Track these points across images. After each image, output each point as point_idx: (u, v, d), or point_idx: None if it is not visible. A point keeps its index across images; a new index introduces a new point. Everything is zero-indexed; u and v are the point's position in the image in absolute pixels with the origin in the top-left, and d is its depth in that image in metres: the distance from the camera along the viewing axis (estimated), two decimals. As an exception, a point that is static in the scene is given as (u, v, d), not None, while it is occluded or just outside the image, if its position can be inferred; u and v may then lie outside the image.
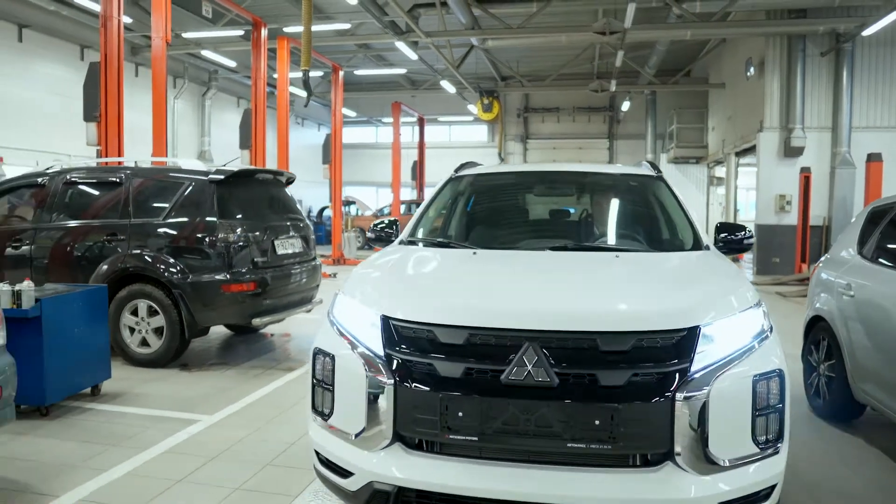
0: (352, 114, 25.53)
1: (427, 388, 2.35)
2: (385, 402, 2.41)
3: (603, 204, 4.17)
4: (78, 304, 4.72)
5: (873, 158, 11.61)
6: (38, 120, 14.11)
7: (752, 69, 14.97)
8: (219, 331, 7.44)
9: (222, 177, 5.86)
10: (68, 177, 6.20)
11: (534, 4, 13.51)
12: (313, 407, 2.71)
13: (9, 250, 6.07)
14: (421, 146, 22.03)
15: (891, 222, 4.40)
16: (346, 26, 14.30)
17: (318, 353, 2.70)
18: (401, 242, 3.74)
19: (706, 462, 2.25)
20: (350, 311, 2.75)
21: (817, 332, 4.77)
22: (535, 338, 2.33)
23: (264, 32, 12.12)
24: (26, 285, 4.28)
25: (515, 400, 2.28)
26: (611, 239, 3.80)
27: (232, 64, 16.68)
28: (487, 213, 4.21)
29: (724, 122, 18.38)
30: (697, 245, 3.46)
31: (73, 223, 6.03)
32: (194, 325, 5.71)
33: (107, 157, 8.41)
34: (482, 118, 22.81)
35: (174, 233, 5.74)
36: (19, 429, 4.14)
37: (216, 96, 19.87)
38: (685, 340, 2.35)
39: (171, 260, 5.67)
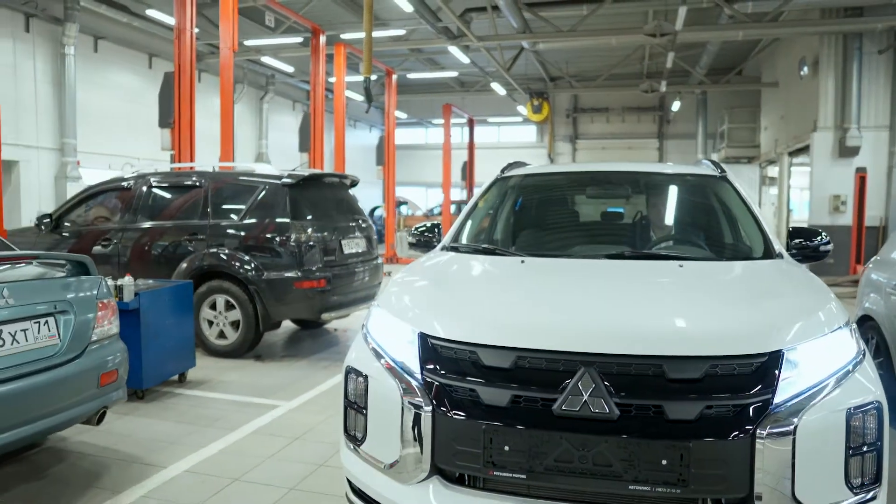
0: (402, 115, 26.03)
1: (469, 417, 2.12)
2: (422, 431, 2.18)
3: (660, 206, 3.86)
4: (169, 298, 5.18)
5: (933, 159, 11.43)
6: (110, 125, 14.93)
7: (805, 68, 14.81)
8: (286, 326, 7.89)
9: (294, 181, 6.28)
10: (152, 180, 6.73)
11: (584, 7, 13.67)
12: (345, 431, 2.48)
13: (97, 248, 6.62)
14: (471, 147, 22.34)
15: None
16: (401, 32, 14.73)
17: (350, 371, 2.48)
18: (443, 248, 3.49)
19: None
20: (385, 325, 2.53)
21: (866, 330, 4.91)
22: (591, 362, 2.08)
23: (323, 39, 12.61)
24: (127, 280, 4.75)
25: (569, 434, 2.04)
26: (671, 245, 3.51)
27: (290, 69, 17.33)
28: (536, 217, 3.91)
29: (776, 121, 18.15)
30: (769, 252, 3.13)
31: (156, 223, 6.54)
32: (268, 319, 6.15)
33: (180, 160, 8.97)
34: (532, 119, 23.00)
35: (250, 233, 6.19)
36: (122, 410, 4.60)
37: (273, 100, 20.59)
38: (766, 367, 2.08)
39: (247, 258, 6.12)
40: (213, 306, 6.24)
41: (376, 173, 16.70)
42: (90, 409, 3.48)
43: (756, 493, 1.96)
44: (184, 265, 6.28)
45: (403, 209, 24.02)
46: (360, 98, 10.94)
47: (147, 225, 6.57)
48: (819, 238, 3.23)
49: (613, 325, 2.22)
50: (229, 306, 6.21)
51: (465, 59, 15.68)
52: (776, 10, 12.43)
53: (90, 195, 7.00)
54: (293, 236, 6.07)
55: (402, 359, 2.34)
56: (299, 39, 14.06)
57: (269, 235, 6.13)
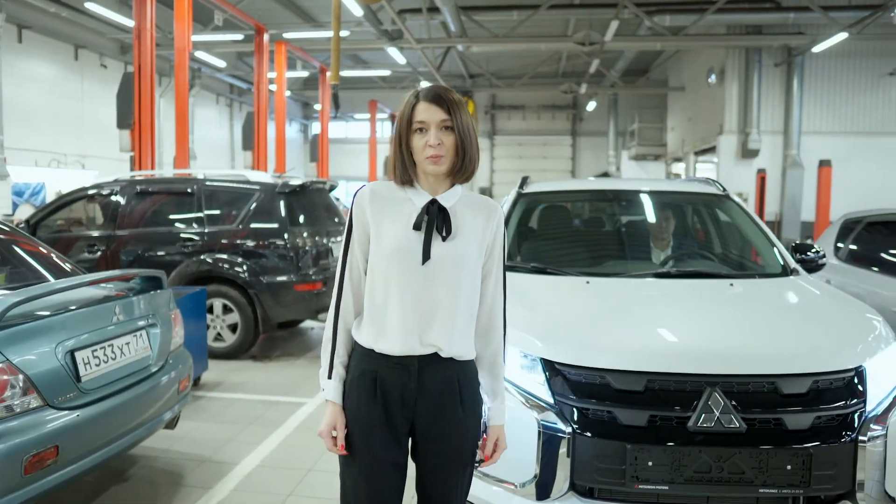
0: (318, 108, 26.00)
1: (610, 437, 2.34)
2: (561, 452, 2.39)
3: (681, 224, 4.14)
4: (186, 304, 5.39)
5: (824, 164, 13.06)
6: (36, 120, 14.24)
7: (713, 76, 16.27)
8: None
9: (290, 188, 6.57)
10: (146, 186, 6.78)
11: (514, 13, 14.39)
12: None
13: (85, 255, 6.63)
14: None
15: (861, 231, 5.51)
16: (346, 34, 14.91)
17: None
18: None
19: (887, 499, 2.37)
20: None
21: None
22: (715, 382, 2.37)
23: (266, 37, 12.67)
24: (158, 290, 4.94)
25: (707, 448, 2.31)
26: (702, 262, 3.82)
27: (222, 64, 17.06)
28: (571, 235, 4.22)
29: (683, 122, 19.71)
30: (787, 268, 3.54)
31: (148, 229, 6.63)
32: (268, 321, 6.43)
33: (140, 162, 8.93)
34: (456, 117, 23.55)
35: (248, 238, 6.43)
36: (159, 413, 4.82)
37: (199, 94, 20.12)
38: (856, 379, 2.45)
39: (247, 263, 6.37)
40: (211, 310, 6.44)
41: (307, 170, 16.83)
42: (173, 414, 3.76)
43: (856, 490, 2.34)
44: (180, 270, 6.43)
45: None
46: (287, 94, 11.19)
47: (139, 231, 6.64)
48: (815, 252, 3.71)
49: (731, 349, 2.53)
50: (226, 310, 6.43)
51: (402, 60, 16.07)
52: (693, 23, 13.64)
53: (70, 201, 6.95)
54: (291, 241, 6.37)
55: (525, 384, 2.52)
56: (240, 37, 13.97)
57: (267, 241, 6.40)
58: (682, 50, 18.86)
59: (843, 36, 12.55)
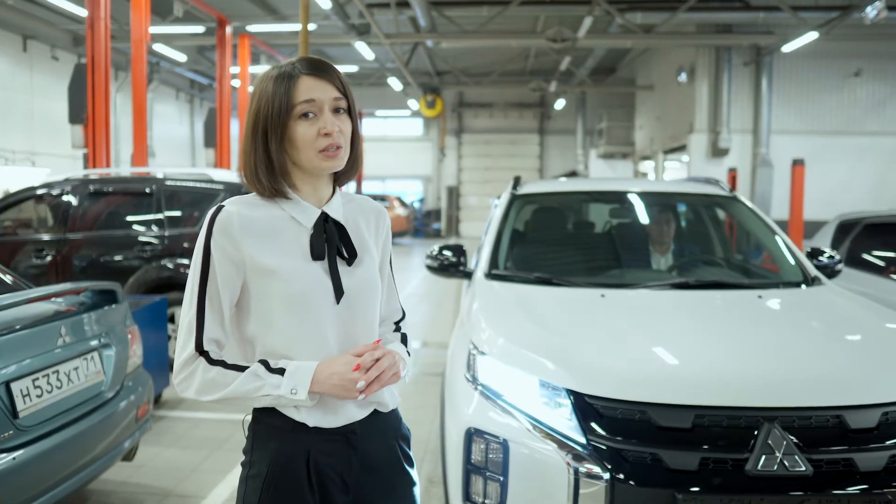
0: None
1: (655, 485, 2.00)
2: (595, 499, 2.04)
3: (690, 228, 3.91)
4: (145, 316, 4.93)
5: (797, 163, 13.05)
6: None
7: (683, 75, 16.22)
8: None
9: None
10: (100, 186, 6.27)
11: (484, 8, 14.09)
12: (467, 498, 2.29)
13: (35, 260, 6.10)
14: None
15: (860, 233, 5.33)
16: (313, 27, 14.40)
17: (476, 434, 2.25)
18: (488, 276, 3.29)
19: None
20: (508, 379, 2.33)
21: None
22: (772, 417, 2.05)
23: (229, 30, 12.11)
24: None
25: (770, 496, 1.98)
26: (723, 271, 3.55)
27: (182, 58, 16.38)
28: (573, 241, 3.93)
29: (652, 121, 19.67)
30: (806, 275, 3.25)
31: (103, 233, 6.12)
32: (234, 331, 5.98)
33: (94, 160, 8.37)
34: (426, 115, 23.25)
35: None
36: (115, 437, 4.36)
37: (157, 89, 19.34)
38: None
39: (211, 269, 5.90)
40: (172, 319, 5.97)
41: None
42: (130, 445, 3.34)
43: None
44: (138, 277, 5.95)
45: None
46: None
47: (93, 234, 6.12)
48: (830, 257, 3.45)
49: (788, 376, 2.20)
50: (189, 319, 5.97)
51: (370, 56, 15.64)
52: (663, 21, 13.52)
53: (17, 201, 6.40)
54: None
55: (549, 420, 2.17)
56: (201, 29, 13.37)
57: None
58: (650, 49, 18.81)
59: (813, 35, 12.55)
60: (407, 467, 1.55)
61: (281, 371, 1.36)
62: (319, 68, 1.39)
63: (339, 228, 1.44)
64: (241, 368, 1.37)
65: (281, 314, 1.39)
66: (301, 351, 1.40)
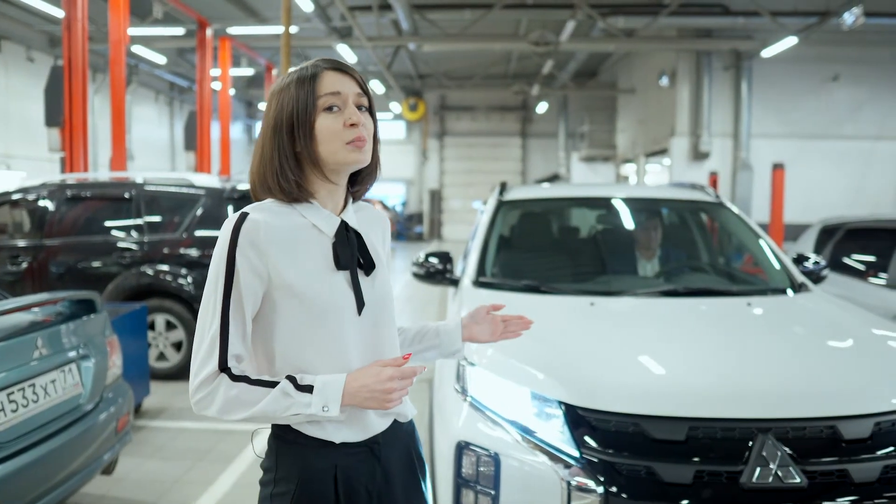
0: (262, 108, 25.16)
1: (649, 499, 1.99)
2: None
3: (676, 234, 3.88)
4: (125, 324, 4.83)
5: (778, 167, 13.19)
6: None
7: (664, 79, 16.33)
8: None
9: (239, 193, 6.04)
10: (78, 190, 6.14)
11: (467, 12, 14.09)
12: None
13: (10, 267, 5.96)
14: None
15: (842, 238, 5.37)
16: (295, 30, 14.29)
17: (466, 447, 2.21)
18: (475, 284, 3.24)
19: None
20: (499, 391, 2.30)
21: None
22: (767, 429, 2.03)
23: (209, 32, 11.99)
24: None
25: None
26: (710, 278, 3.52)
27: (162, 60, 16.17)
28: (561, 248, 3.87)
29: (634, 125, 19.78)
30: (793, 282, 3.23)
31: (81, 239, 6.00)
32: (216, 339, 5.89)
33: (71, 163, 8.22)
34: (408, 118, 23.19)
35: (193, 247, 5.87)
36: (94, 449, 4.26)
37: (136, 91, 19.08)
38: None
39: (192, 274, 5.81)
40: (152, 327, 5.86)
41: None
42: (110, 458, 3.25)
43: None
44: (118, 283, 5.84)
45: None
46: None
47: (70, 240, 5.99)
48: (816, 263, 3.44)
49: (783, 386, 2.18)
50: (170, 326, 5.87)
51: (354, 59, 15.55)
52: (645, 26, 13.61)
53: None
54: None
55: (541, 433, 2.14)
56: (181, 31, 13.20)
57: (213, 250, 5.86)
58: (632, 52, 18.91)
59: (792, 41, 12.70)
60: (422, 479, 1.55)
61: (309, 388, 1.31)
62: (341, 65, 1.39)
63: (358, 237, 1.42)
64: (266, 384, 1.31)
65: (304, 326, 1.35)
66: (323, 363, 1.36)
